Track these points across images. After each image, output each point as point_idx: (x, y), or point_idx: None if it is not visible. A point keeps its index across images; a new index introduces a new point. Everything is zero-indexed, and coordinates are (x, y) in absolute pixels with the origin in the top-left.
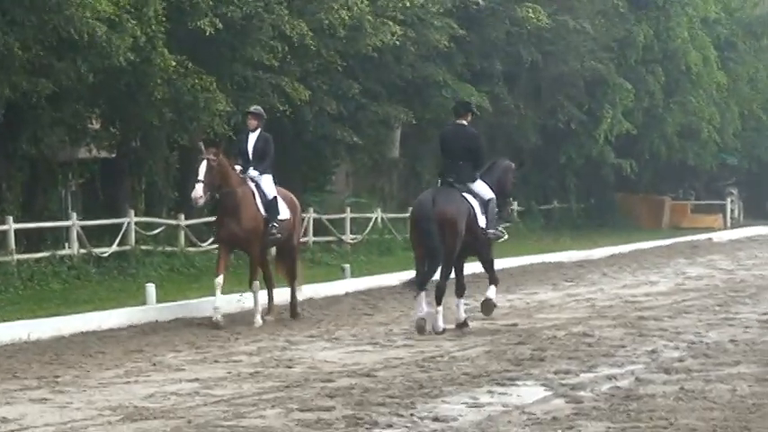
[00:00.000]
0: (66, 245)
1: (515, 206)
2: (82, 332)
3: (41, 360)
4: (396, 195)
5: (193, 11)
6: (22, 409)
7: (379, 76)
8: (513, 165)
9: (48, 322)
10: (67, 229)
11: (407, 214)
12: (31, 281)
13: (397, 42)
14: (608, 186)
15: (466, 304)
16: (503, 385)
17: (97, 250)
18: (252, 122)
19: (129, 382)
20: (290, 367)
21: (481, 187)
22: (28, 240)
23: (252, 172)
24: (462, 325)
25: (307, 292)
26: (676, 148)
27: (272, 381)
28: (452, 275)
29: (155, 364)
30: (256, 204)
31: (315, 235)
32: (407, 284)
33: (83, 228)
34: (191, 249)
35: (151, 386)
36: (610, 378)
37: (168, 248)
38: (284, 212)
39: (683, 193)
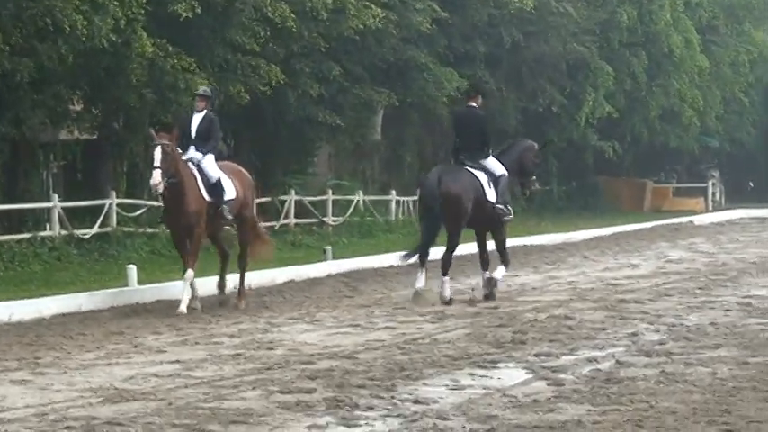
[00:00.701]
0: (48, 226)
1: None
2: (63, 314)
3: (22, 342)
4: (377, 178)
5: None
6: (2, 390)
7: (361, 59)
8: (536, 145)
9: (28, 304)
10: (49, 210)
11: (389, 197)
12: (12, 262)
13: (380, 25)
14: (589, 170)
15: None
16: (484, 368)
17: (78, 232)
18: (200, 104)
19: (109, 364)
20: (270, 349)
21: (493, 163)
22: (9, 222)
23: (194, 153)
24: (489, 296)
25: (288, 274)
26: (658, 131)
27: (253, 363)
28: (477, 250)
29: (136, 346)
30: (198, 188)
31: (296, 217)
32: (407, 256)
33: (64, 209)
34: None
35: (132, 368)
36: (590, 361)
37: (150, 230)
38: (230, 192)
39: (665, 177)
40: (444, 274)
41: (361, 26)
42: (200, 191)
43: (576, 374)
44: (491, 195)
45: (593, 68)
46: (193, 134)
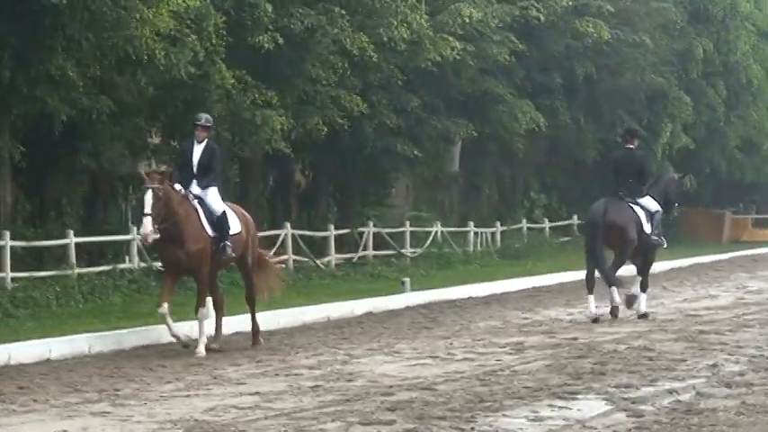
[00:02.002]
0: (127, 258)
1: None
2: (142, 345)
3: (102, 373)
4: (455, 209)
5: (254, 25)
6: (83, 422)
7: (439, 90)
8: (676, 176)
9: (108, 336)
10: (128, 242)
11: (467, 228)
12: (91, 294)
13: (457, 57)
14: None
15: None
16: (563, 399)
17: (157, 264)
18: (201, 134)
19: (189, 396)
20: (350, 381)
21: (648, 201)
22: (88, 254)
23: (194, 188)
24: (643, 316)
25: (366, 305)
26: (737, 162)
27: (333, 394)
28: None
29: (215, 378)
30: (201, 223)
31: (375, 249)
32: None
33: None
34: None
35: (212, 399)
36: (671, 392)
37: None
38: (235, 226)
39: (744, 207)
40: (610, 285)
41: (439, 58)
42: (202, 226)
43: (656, 406)
44: (647, 228)
45: (671, 99)
46: (195, 167)
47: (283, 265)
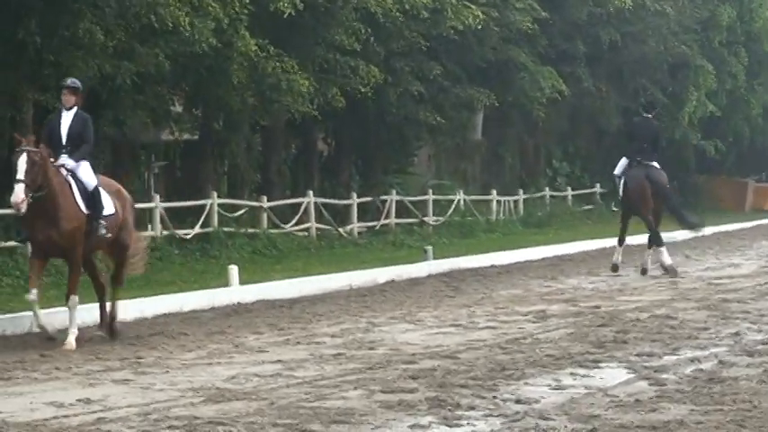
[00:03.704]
0: (149, 226)
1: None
2: (164, 314)
3: (124, 342)
4: (478, 177)
5: None
6: (105, 390)
7: (461, 58)
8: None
9: (130, 304)
10: (150, 210)
11: (489, 196)
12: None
13: (480, 25)
14: (691, 169)
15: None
16: (585, 367)
17: (180, 232)
18: (69, 98)
19: (211, 364)
20: (372, 349)
21: (658, 166)
22: None
23: (66, 160)
24: (671, 270)
25: (389, 273)
26: (760, 129)
27: (355, 362)
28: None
29: (237, 346)
30: (74, 199)
31: (397, 217)
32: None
33: (165, 209)
34: (273, 231)
35: (233, 368)
36: (693, 361)
37: (251, 230)
38: (110, 206)
39: (767, 176)
40: (659, 245)
41: (461, 26)
42: (76, 202)
43: (678, 374)
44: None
45: (695, 67)
46: (64, 138)
47: (144, 244)
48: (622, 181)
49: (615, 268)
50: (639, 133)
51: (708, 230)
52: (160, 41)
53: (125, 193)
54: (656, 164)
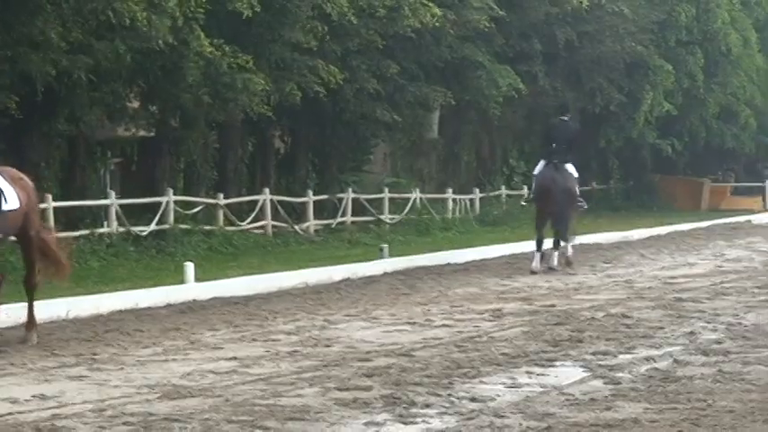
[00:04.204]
0: (105, 223)
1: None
2: (120, 310)
3: (79, 338)
4: (434, 176)
5: None
6: (60, 386)
7: (418, 57)
8: None
9: (86, 300)
10: (106, 207)
11: (446, 195)
12: (69, 259)
13: (436, 24)
14: (646, 168)
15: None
16: (541, 366)
17: (136, 229)
18: None
19: (166, 361)
20: (327, 346)
21: (571, 167)
22: (67, 218)
23: None
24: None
25: (345, 271)
26: (715, 130)
27: (310, 360)
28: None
29: (192, 343)
30: None
31: (353, 215)
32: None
33: (121, 206)
34: (229, 229)
35: (189, 364)
36: (648, 359)
37: (207, 227)
38: (13, 201)
39: (723, 176)
40: (566, 241)
41: (419, 24)
42: None
43: (633, 373)
44: (577, 190)
45: (652, 67)
46: None
47: (72, 244)
48: (535, 181)
49: (534, 273)
50: (556, 135)
51: (663, 230)
52: (117, 37)
53: (28, 182)
54: (570, 166)
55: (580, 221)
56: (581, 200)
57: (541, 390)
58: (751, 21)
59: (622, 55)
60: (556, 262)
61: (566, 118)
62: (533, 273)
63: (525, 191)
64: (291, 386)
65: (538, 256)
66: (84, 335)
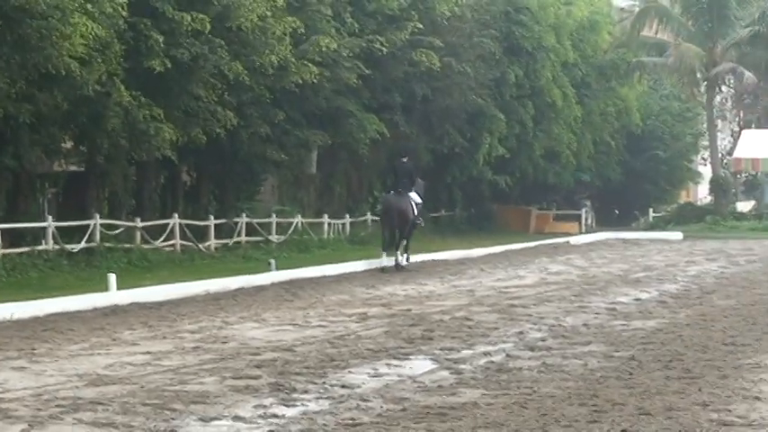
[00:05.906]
0: (43, 242)
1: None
2: (55, 313)
3: (21, 336)
4: (313, 204)
5: (148, 52)
6: (4, 375)
7: (301, 107)
8: (423, 182)
9: (27, 305)
10: (44, 228)
11: (322, 219)
12: (13, 271)
13: (315, 80)
14: (485, 198)
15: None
16: (398, 359)
17: (68, 246)
18: None
19: (92, 354)
20: (225, 343)
21: (414, 195)
22: (11, 238)
23: None
24: (402, 267)
25: (239, 282)
26: (541, 168)
27: (210, 354)
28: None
29: (114, 340)
30: None
31: (247, 235)
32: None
33: (57, 228)
34: (145, 246)
35: (111, 357)
36: (485, 354)
37: (127, 245)
38: None
39: (547, 204)
40: (402, 253)
41: (301, 80)
42: None
43: (473, 365)
44: (415, 212)
45: (489, 116)
46: None
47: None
48: (380, 204)
49: (384, 270)
50: (399, 172)
51: (499, 249)
52: (55, 87)
53: None
54: (414, 194)
55: (431, 242)
56: (419, 218)
57: (398, 378)
58: (569, 79)
59: (466, 107)
60: (400, 261)
61: (404, 159)
62: (383, 271)
63: None
64: (195, 375)
65: (384, 256)
66: (25, 333)
